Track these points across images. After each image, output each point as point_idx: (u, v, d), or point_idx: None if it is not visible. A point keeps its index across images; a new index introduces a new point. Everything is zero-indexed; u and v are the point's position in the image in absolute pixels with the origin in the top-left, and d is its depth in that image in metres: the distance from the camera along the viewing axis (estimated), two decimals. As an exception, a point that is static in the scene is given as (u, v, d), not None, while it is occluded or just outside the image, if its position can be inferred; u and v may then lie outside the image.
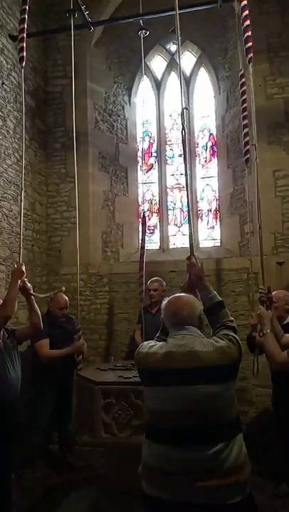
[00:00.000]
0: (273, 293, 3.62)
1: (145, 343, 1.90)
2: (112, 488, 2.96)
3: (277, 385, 3.48)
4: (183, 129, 2.41)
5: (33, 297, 3.23)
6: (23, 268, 3.08)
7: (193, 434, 1.63)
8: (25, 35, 3.59)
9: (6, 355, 3.08)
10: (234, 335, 1.81)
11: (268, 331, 2.55)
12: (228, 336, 1.78)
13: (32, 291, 3.19)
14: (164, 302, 1.91)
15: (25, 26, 3.59)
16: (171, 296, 1.93)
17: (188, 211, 2.69)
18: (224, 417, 1.67)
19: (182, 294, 1.95)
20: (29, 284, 3.16)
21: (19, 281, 3.03)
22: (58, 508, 3.30)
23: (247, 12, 3.26)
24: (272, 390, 3.60)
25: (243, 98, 3.53)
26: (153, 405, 1.76)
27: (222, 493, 1.59)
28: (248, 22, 3.22)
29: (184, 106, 2.56)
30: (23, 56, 3.56)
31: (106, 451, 3.34)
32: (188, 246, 2.44)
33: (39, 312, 3.30)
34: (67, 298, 4.21)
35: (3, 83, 4.40)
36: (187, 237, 6.07)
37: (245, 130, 3.47)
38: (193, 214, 5.78)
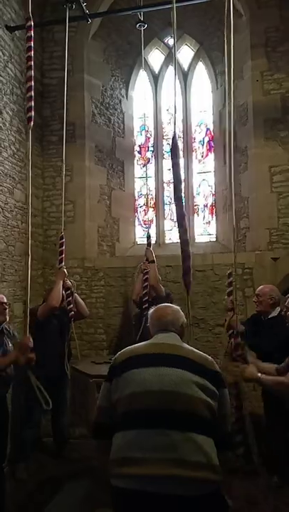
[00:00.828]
0: (259, 288, 3.66)
1: (128, 347, 1.95)
2: (105, 479, 2.98)
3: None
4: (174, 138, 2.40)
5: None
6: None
7: (162, 415, 1.65)
8: (32, 94, 3.21)
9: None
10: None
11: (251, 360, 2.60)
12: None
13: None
14: (151, 310, 2.05)
15: (32, 74, 3.25)
16: (159, 305, 2.07)
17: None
18: (200, 408, 1.67)
19: (169, 305, 2.09)
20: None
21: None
22: (52, 500, 3.32)
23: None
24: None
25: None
26: (127, 390, 1.74)
27: (189, 484, 1.58)
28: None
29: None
30: (30, 116, 3.12)
31: (100, 443, 3.35)
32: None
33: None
34: (63, 292, 4.21)
35: (-1, 75, 4.36)
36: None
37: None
38: (189, 209, 5.79)
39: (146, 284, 4.36)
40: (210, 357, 1.84)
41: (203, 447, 1.62)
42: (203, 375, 1.73)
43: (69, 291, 3.94)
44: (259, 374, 2.46)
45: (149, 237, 4.67)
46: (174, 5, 2.56)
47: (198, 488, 1.59)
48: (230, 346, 2.71)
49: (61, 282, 3.84)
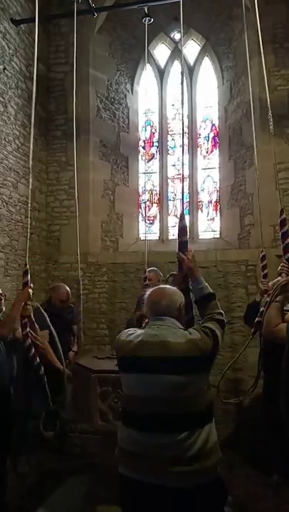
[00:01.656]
0: (270, 283, 3.67)
1: (125, 330, 1.94)
2: (107, 474, 2.99)
3: (267, 374, 3.51)
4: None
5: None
6: (31, 292, 2.78)
7: (158, 421, 1.68)
8: None
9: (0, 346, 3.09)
10: (212, 327, 1.81)
11: (278, 300, 2.57)
12: (206, 329, 1.79)
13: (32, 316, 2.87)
14: (147, 292, 1.96)
15: None
16: (154, 287, 1.98)
17: (183, 203, 2.67)
18: (191, 407, 1.69)
19: (165, 286, 1.99)
20: (30, 308, 2.82)
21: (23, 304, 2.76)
22: (53, 494, 3.35)
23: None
24: (264, 380, 3.64)
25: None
26: (125, 390, 1.84)
27: (186, 477, 1.64)
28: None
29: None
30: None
31: (102, 438, 3.36)
32: (188, 237, 2.43)
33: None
34: (69, 290, 4.19)
35: (4, 68, 4.34)
36: (187, 228, 6.05)
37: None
38: (193, 205, 5.77)
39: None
40: (197, 334, 1.75)
41: (197, 441, 1.66)
42: (190, 370, 1.70)
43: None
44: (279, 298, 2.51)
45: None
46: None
47: (196, 479, 1.66)
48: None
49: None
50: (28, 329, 2.73)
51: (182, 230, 2.24)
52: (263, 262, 3.58)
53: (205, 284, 2.03)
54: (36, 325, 2.92)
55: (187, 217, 5.79)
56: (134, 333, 1.85)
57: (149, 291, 1.95)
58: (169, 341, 1.71)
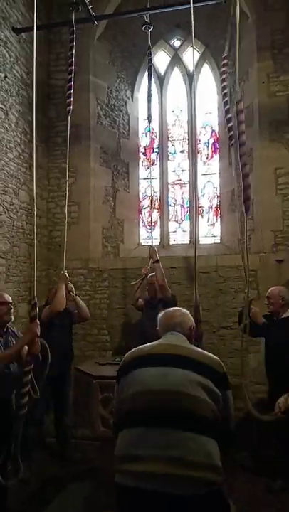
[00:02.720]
0: (269, 290, 3.73)
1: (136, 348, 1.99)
2: (108, 480, 2.98)
3: (272, 380, 3.51)
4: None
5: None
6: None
7: (168, 415, 1.67)
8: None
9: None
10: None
11: None
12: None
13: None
14: (161, 314, 2.09)
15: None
16: (168, 309, 2.13)
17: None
18: (200, 409, 1.67)
19: (178, 308, 2.15)
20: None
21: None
22: (54, 500, 3.33)
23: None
24: (268, 384, 3.64)
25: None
26: (131, 390, 1.78)
27: (188, 484, 1.59)
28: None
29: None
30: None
31: (103, 444, 3.36)
32: (188, 242, 2.46)
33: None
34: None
35: (5, 76, 4.39)
36: (188, 233, 6.10)
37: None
38: (193, 210, 5.79)
39: (149, 285, 4.36)
40: (217, 358, 1.84)
41: (204, 447, 1.63)
42: (207, 376, 1.73)
43: (70, 295, 4.04)
44: None
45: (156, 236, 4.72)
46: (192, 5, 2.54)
47: (197, 487, 1.59)
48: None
49: (64, 286, 3.93)
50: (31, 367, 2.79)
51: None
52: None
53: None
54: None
55: (187, 223, 5.81)
56: (147, 346, 1.93)
57: (162, 313, 2.09)
58: (185, 346, 1.84)
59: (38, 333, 2.79)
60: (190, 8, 3.40)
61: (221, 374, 1.80)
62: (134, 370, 1.83)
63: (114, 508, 1.77)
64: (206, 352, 1.86)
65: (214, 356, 1.85)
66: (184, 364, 1.74)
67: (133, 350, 1.94)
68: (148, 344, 1.93)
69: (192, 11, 2.65)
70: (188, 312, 2.08)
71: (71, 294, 4.06)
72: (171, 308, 2.12)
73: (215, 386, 1.74)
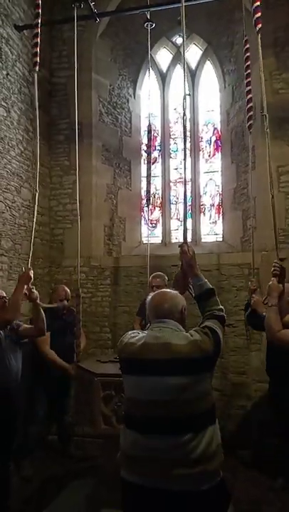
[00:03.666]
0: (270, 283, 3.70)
1: (129, 332, 1.95)
2: (110, 478, 2.99)
3: (273, 377, 3.51)
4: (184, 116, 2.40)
5: (39, 304, 3.18)
6: (31, 273, 2.96)
7: (161, 423, 1.68)
8: (38, 41, 3.33)
9: (7, 347, 3.11)
10: (213, 326, 1.81)
11: (274, 304, 2.58)
12: (205, 329, 1.80)
13: (38, 300, 3.14)
14: (148, 297, 1.98)
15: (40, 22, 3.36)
16: (156, 291, 2.00)
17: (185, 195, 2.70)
18: (193, 409, 1.69)
19: (167, 290, 2.01)
20: (36, 292, 3.08)
21: (25, 286, 2.97)
22: (56, 497, 3.34)
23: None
24: (269, 382, 3.63)
25: (249, 89, 3.54)
26: (127, 393, 1.85)
27: (189, 480, 1.64)
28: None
29: (186, 93, 2.52)
30: (36, 61, 3.28)
31: (105, 442, 3.37)
32: (190, 240, 2.45)
33: (44, 319, 3.22)
34: (68, 290, 4.24)
35: (7, 74, 4.38)
36: (190, 231, 6.05)
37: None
38: (195, 208, 5.78)
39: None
40: (197, 335, 1.75)
41: (202, 441, 1.66)
42: (193, 371, 1.70)
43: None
44: (275, 303, 2.64)
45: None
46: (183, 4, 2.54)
47: (198, 483, 1.64)
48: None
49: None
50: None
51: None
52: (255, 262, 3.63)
53: (204, 280, 2.05)
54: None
55: (189, 221, 5.79)
56: (137, 336, 1.85)
57: (150, 295, 1.97)
58: (172, 343, 1.72)
59: (32, 278, 2.90)
60: (192, 4, 3.38)
61: (210, 353, 1.73)
62: (125, 373, 1.85)
63: (116, 505, 1.78)
64: (191, 335, 1.76)
65: (196, 337, 1.74)
66: (172, 369, 1.68)
67: (122, 344, 1.88)
68: (138, 337, 1.83)
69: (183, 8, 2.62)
70: (177, 293, 1.95)
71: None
72: (158, 292, 1.98)
73: (208, 367, 1.76)
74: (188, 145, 5.92)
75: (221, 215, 5.69)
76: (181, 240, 2.36)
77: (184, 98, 2.47)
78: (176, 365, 1.68)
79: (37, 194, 3.09)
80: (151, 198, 5.93)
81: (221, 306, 1.96)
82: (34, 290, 3.06)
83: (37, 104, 3.33)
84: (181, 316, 1.89)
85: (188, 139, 5.90)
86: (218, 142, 5.83)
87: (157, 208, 5.95)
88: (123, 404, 1.86)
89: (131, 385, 1.82)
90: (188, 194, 5.85)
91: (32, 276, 2.97)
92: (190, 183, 5.84)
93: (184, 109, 2.49)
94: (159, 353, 1.72)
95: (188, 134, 5.92)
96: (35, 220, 3.12)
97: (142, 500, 1.71)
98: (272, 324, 2.59)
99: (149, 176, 4.92)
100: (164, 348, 1.72)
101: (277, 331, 2.56)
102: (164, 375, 1.68)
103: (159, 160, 6.02)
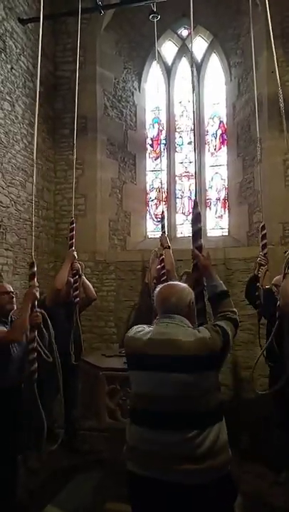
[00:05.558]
0: (276, 277, 3.67)
1: (135, 327, 1.92)
2: (116, 471, 3.00)
3: (275, 369, 3.48)
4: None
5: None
6: (37, 293, 2.72)
7: (166, 419, 1.68)
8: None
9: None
10: (224, 326, 1.78)
11: None
12: (216, 327, 1.77)
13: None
14: (157, 289, 1.94)
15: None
16: (164, 284, 1.96)
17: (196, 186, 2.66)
18: (198, 406, 1.68)
19: (175, 283, 1.99)
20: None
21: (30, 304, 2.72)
22: (63, 490, 3.36)
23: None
24: (269, 377, 3.61)
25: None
26: (133, 388, 1.84)
27: (195, 474, 1.64)
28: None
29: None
30: None
31: (110, 435, 3.37)
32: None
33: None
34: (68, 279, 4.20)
35: (12, 68, 4.36)
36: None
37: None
38: (201, 202, 5.75)
39: (163, 271, 4.29)
40: (207, 332, 1.72)
41: (205, 441, 1.65)
42: (199, 369, 1.68)
43: (76, 275, 3.76)
44: None
45: (163, 226, 4.58)
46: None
47: (205, 478, 1.64)
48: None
49: (69, 265, 3.62)
50: (35, 344, 2.68)
51: (196, 216, 2.20)
52: (263, 232, 3.51)
53: (219, 282, 2.01)
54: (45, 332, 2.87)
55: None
56: (144, 330, 1.83)
57: (158, 288, 1.93)
58: (179, 339, 1.70)
59: (38, 296, 2.71)
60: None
61: (218, 352, 1.70)
62: (130, 369, 1.84)
63: (122, 498, 1.79)
64: (198, 333, 1.72)
65: (205, 334, 1.71)
66: (177, 366, 1.67)
67: (127, 338, 1.86)
68: (144, 332, 1.82)
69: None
70: (184, 286, 1.91)
71: (79, 273, 3.76)
72: (166, 285, 1.94)
73: (216, 365, 1.73)
74: (192, 139, 5.88)
75: (226, 209, 5.65)
76: (187, 235, 2.32)
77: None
78: (183, 362, 1.67)
79: (34, 187, 2.96)
80: (155, 192, 5.93)
81: (234, 309, 1.92)
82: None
83: (37, 101, 3.31)
84: (189, 310, 1.85)
85: (194, 133, 5.85)
86: (224, 136, 5.78)
87: (162, 202, 5.92)
88: (129, 399, 1.85)
89: (137, 381, 1.81)
90: (194, 188, 5.82)
91: (38, 295, 2.74)
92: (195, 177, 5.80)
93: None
94: (165, 349, 1.70)
95: (193, 127, 5.88)
96: (33, 215, 2.98)
97: (148, 492, 1.72)
98: (287, 291, 2.56)
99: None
100: (170, 345, 1.70)
101: None
102: (169, 371, 1.67)
103: (165, 154, 5.98)
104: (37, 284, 2.71)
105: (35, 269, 2.69)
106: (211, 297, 1.99)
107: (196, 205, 2.23)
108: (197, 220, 2.21)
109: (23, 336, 2.91)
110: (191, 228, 2.25)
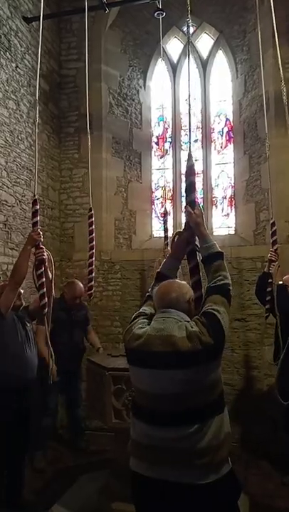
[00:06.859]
0: (285, 277, 3.66)
1: (135, 322, 1.91)
2: (121, 471, 2.99)
3: (283, 370, 3.43)
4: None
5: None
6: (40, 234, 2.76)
7: (165, 415, 1.67)
8: None
9: (20, 330, 3.08)
10: (213, 311, 1.70)
11: None
12: (202, 317, 1.71)
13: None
14: (156, 287, 1.94)
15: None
16: (164, 281, 1.93)
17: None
18: (197, 401, 1.66)
19: (175, 280, 1.95)
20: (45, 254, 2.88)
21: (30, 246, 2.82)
22: (68, 490, 3.37)
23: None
24: (277, 375, 3.57)
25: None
26: (134, 384, 1.85)
27: (195, 472, 1.62)
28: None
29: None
30: None
31: (116, 435, 3.37)
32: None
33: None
34: (83, 288, 4.19)
35: (17, 66, 4.35)
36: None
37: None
38: (207, 201, 5.71)
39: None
40: (197, 327, 1.67)
41: (206, 435, 1.64)
42: (194, 363, 1.64)
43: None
44: None
45: (166, 226, 4.54)
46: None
47: (206, 475, 1.63)
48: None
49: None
50: (43, 279, 2.80)
51: (190, 168, 2.14)
52: (273, 229, 3.48)
53: (213, 242, 1.95)
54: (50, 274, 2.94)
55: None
56: (144, 328, 1.81)
57: (158, 286, 1.92)
58: (174, 335, 1.67)
59: (41, 238, 2.83)
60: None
61: (211, 344, 1.65)
62: (130, 364, 1.83)
63: (128, 498, 1.78)
64: (189, 327, 1.68)
65: (193, 329, 1.66)
66: (176, 363, 1.64)
67: (131, 334, 1.82)
68: (144, 329, 1.79)
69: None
70: (185, 283, 1.89)
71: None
72: (166, 282, 1.91)
73: (212, 358, 1.68)
74: (199, 137, 5.84)
75: (233, 207, 5.61)
76: None
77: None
78: (180, 359, 1.64)
79: (36, 185, 2.96)
80: (161, 191, 5.89)
81: (225, 273, 1.85)
82: (45, 253, 2.88)
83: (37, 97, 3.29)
84: (189, 307, 1.83)
85: (199, 131, 5.81)
86: (230, 133, 5.73)
87: (168, 201, 5.89)
88: (133, 395, 1.88)
89: (136, 377, 1.81)
90: (200, 186, 5.78)
91: (41, 236, 2.84)
92: (201, 175, 5.77)
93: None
94: (161, 345, 1.68)
95: (199, 125, 5.84)
96: (34, 215, 2.94)
97: (150, 490, 1.71)
98: None
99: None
100: (165, 341, 1.67)
101: None
102: (168, 368, 1.65)
103: (170, 152, 5.95)
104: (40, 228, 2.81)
105: (38, 206, 2.78)
106: (204, 259, 1.94)
107: (190, 157, 2.19)
108: (191, 172, 2.13)
109: (21, 280, 2.99)
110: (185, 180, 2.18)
